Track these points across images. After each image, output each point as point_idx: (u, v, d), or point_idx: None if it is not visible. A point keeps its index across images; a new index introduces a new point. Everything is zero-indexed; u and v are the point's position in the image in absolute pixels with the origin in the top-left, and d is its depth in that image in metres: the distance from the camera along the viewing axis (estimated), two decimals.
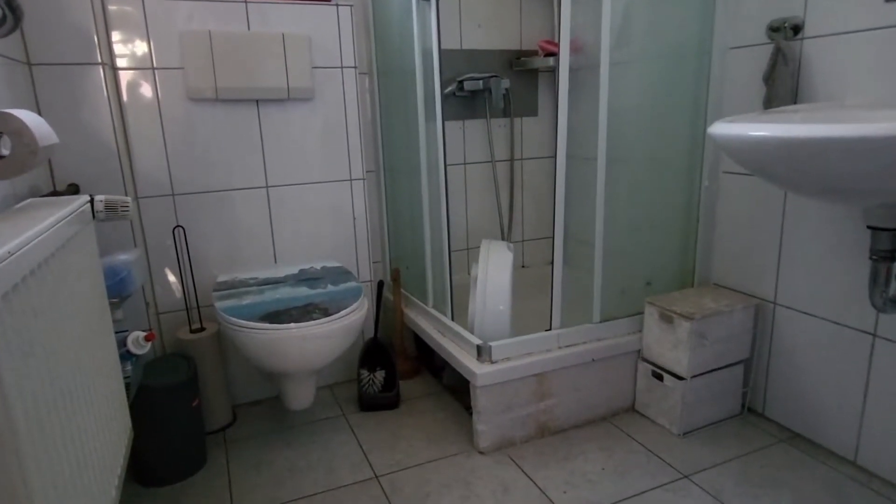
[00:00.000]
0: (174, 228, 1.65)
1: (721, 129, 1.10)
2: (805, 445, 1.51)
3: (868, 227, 1.14)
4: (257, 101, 1.68)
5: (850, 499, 1.31)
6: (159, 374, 1.45)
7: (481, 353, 1.53)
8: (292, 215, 1.79)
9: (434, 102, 1.66)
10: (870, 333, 1.35)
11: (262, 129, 1.71)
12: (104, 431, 1.01)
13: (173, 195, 1.64)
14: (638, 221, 1.69)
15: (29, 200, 1.10)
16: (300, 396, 1.55)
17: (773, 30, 1.47)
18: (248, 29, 1.63)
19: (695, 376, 1.54)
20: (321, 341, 1.34)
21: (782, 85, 1.44)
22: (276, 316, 1.34)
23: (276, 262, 1.79)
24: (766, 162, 1.06)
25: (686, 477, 1.41)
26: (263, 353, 1.34)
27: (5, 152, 0.98)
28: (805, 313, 1.49)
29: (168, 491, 1.43)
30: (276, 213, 1.77)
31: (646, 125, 1.65)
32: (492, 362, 1.52)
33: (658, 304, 1.59)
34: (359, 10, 1.90)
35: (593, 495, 1.35)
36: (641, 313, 1.66)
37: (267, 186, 1.75)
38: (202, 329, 1.65)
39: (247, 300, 1.44)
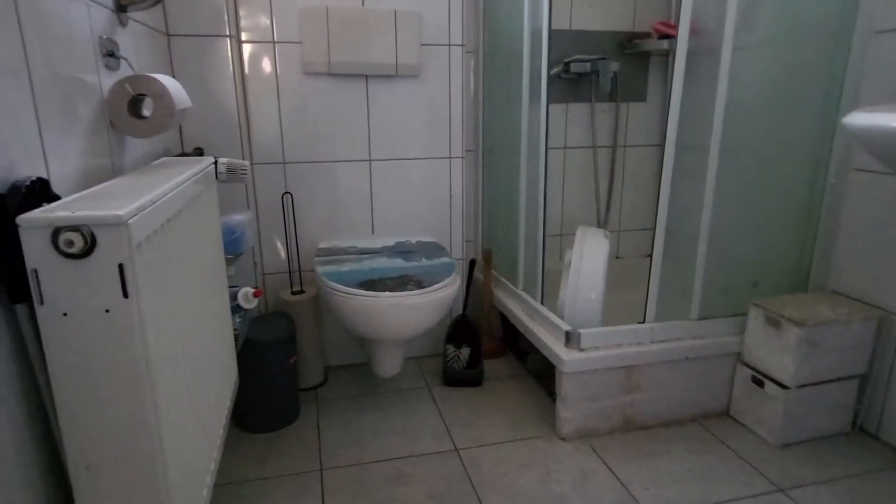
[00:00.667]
0: (283, 195, 1.75)
1: (860, 119, 1.01)
2: None
3: None
4: (366, 76, 1.73)
5: None
6: (263, 329, 1.55)
7: (570, 339, 1.51)
8: (391, 189, 1.84)
9: (539, 84, 1.63)
10: None
11: (370, 104, 1.76)
12: (217, 374, 1.10)
13: (284, 163, 1.74)
14: (749, 217, 1.59)
15: (163, 159, 1.21)
16: (389, 364, 1.61)
17: None
18: (363, 5, 1.68)
19: (801, 386, 1.44)
20: (413, 312, 1.38)
21: None
22: (373, 284, 1.39)
23: (373, 233, 1.86)
24: None
25: (782, 490, 1.32)
26: (358, 318, 1.39)
27: (147, 113, 1.08)
28: None
29: (264, 438, 1.54)
30: (376, 186, 1.83)
31: (767, 115, 1.53)
32: (580, 350, 1.49)
33: (765, 307, 1.49)
34: None
35: (677, 496, 1.30)
36: (745, 314, 1.57)
37: (370, 160, 1.80)
38: (302, 292, 1.75)
39: (346, 267, 1.51)
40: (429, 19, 1.74)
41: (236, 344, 1.36)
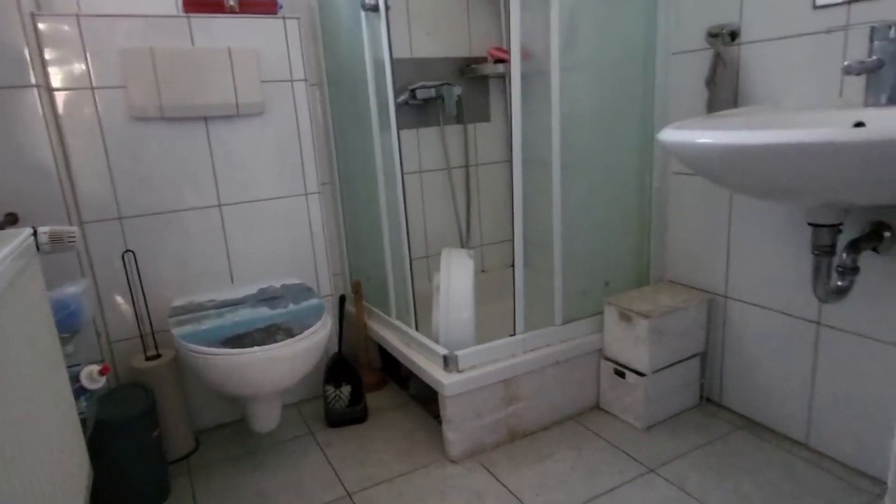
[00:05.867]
0: (123, 253, 1.59)
1: (669, 135, 1.14)
2: (760, 431, 1.58)
3: (809, 224, 1.21)
4: (205, 118, 1.63)
5: (804, 479, 1.38)
6: (116, 406, 1.39)
7: (448, 362, 1.53)
8: (248, 233, 1.75)
9: (388, 112, 1.65)
10: (815, 322, 1.43)
11: (212, 147, 1.66)
12: (62, 478, 0.96)
13: (120, 219, 1.58)
14: (594, 223, 1.73)
15: None
16: (266, 418, 1.52)
17: (712, 35, 1.53)
18: (193, 45, 1.58)
19: (655, 371, 1.59)
20: (286, 363, 1.32)
21: (723, 89, 1.50)
22: (239, 339, 1.31)
23: (233, 281, 1.75)
24: (713, 166, 1.10)
25: (652, 471, 1.45)
26: (227, 378, 1.30)
27: None
28: (754, 305, 1.56)
29: None
30: (230, 231, 1.73)
31: (596, 129, 1.69)
32: (459, 371, 1.53)
33: (617, 304, 1.64)
34: (306, 21, 1.87)
35: (565, 497, 1.38)
36: (601, 313, 1.70)
37: (220, 205, 1.70)
38: (158, 356, 1.60)
39: (206, 325, 1.40)
40: (267, 55, 1.68)
41: (85, 431, 1.20)
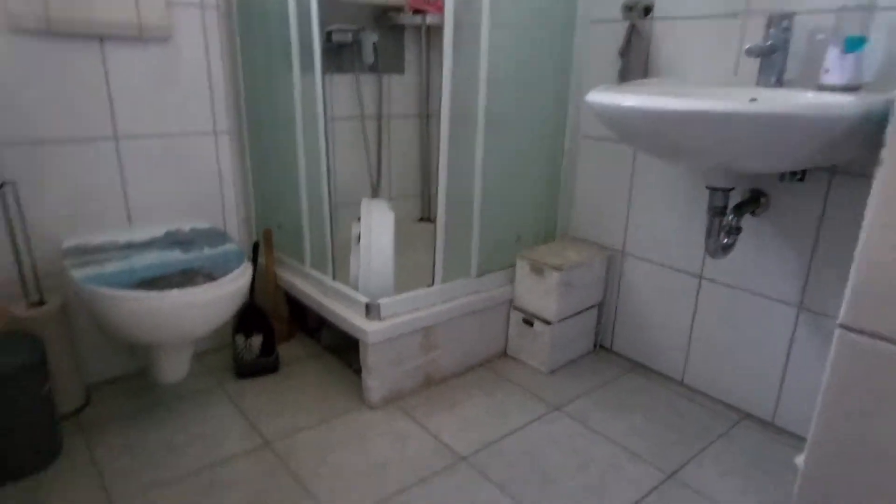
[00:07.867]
0: (0, 186, 1.38)
1: (596, 97, 1.23)
2: (646, 372, 1.78)
3: (707, 187, 1.36)
4: (101, 38, 1.45)
5: (682, 411, 1.59)
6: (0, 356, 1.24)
7: (370, 311, 1.54)
8: (149, 171, 1.60)
9: (311, 53, 1.58)
10: (697, 276, 1.62)
11: (109, 73, 1.48)
12: None
13: None
14: (510, 179, 1.80)
15: None
16: (174, 368, 1.43)
17: (628, 8, 1.63)
18: None
19: (561, 320, 1.72)
20: (206, 309, 1.25)
21: (636, 59, 1.62)
22: (155, 283, 1.21)
23: (130, 222, 1.60)
24: (634, 127, 1.20)
25: (558, 409, 1.58)
26: (140, 324, 1.20)
27: None
28: (647, 261, 1.74)
29: (24, 485, 1.25)
30: (128, 167, 1.57)
31: (517, 89, 1.73)
32: (381, 319, 1.54)
33: (529, 258, 1.73)
34: None
35: (482, 435, 1.47)
36: (513, 266, 1.79)
37: (116, 138, 1.53)
38: (42, 303, 1.43)
39: (111, 267, 1.28)
40: None
41: None
